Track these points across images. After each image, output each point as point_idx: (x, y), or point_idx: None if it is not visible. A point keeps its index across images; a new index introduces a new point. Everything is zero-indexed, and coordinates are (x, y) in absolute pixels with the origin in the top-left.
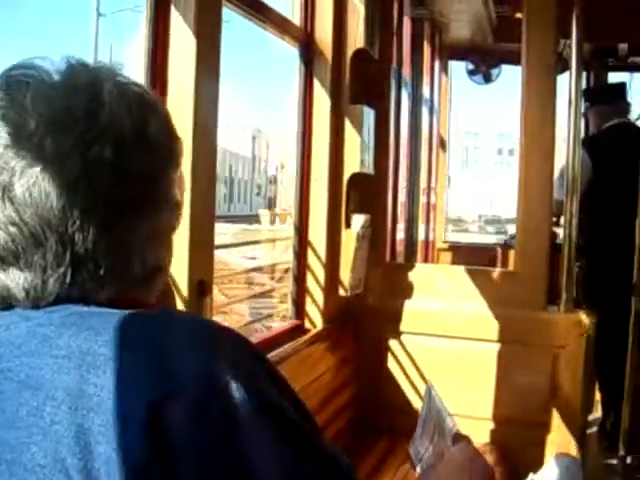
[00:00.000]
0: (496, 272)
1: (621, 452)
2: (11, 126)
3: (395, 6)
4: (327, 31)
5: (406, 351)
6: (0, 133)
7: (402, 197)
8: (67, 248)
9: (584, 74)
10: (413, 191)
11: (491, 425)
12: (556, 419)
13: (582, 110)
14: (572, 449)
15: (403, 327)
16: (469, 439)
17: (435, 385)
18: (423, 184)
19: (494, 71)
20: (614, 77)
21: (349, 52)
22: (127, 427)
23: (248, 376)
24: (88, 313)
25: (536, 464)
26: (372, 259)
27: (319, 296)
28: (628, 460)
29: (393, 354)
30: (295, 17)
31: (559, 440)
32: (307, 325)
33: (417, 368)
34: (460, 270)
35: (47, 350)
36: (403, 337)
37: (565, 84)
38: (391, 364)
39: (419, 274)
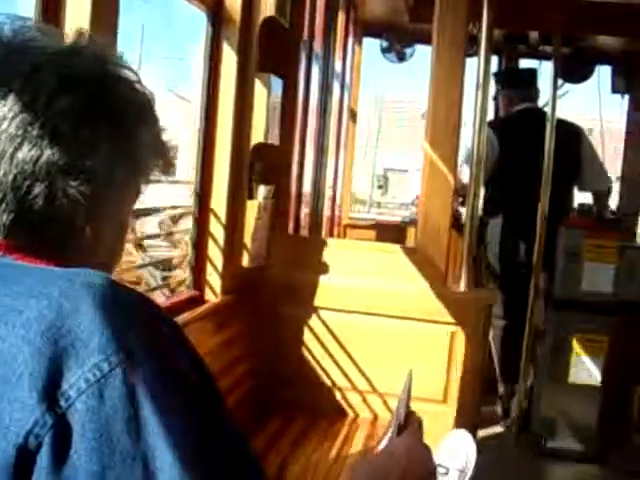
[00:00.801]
0: (397, 248)
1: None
2: None
3: None
4: None
5: (306, 325)
6: None
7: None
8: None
9: (495, 59)
10: (320, 164)
11: (392, 400)
12: (455, 395)
13: (493, 93)
14: (470, 423)
15: (304, 301)
16: (415, 427)
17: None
18: (332, 158)
19: (408, 50)
20: (524, 64)
21: (259, 19)
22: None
23: (151, 339)
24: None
25: (438, 439)
26: (275, 231)
27: (219, 267)
28: (522, 436)
29: (293, 328)
30: None
31: (458, 415)
32: (206, 296)
33: (316, 342)
34: (362, 245)
35: None
36: (303, 311)
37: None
38: (290, 338)
39: (322, 248)
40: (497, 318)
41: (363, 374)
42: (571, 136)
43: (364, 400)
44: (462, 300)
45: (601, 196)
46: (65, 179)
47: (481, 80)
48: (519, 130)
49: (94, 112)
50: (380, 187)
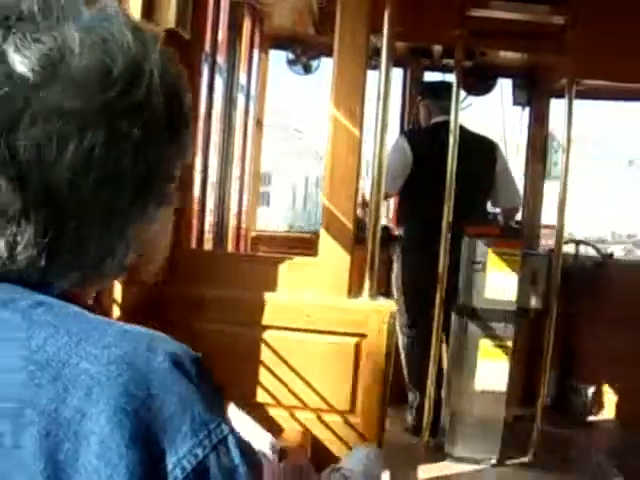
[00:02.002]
0: (300, 260)
1: (425, 436)
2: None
3: None
4: (136, 8)
5: (212, 340)
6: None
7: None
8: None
9: (401, 72)
10: (224, 177)
11: (300, 414)
12: (360, 406)
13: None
14: (374, 435)
15: (209, 315)
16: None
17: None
18: (238, 170)
19: (314, 62)
20: (429, 76)
21: (160, 32)
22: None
23: None
24: (60, 308)
25: (345, 449)
26: (177, 246)
27: (118, 284)
28: (430, 442)
29: (199, 343)
30: None
31: (364, 427)
32: (111, 313)
33: (224, 357)
34: (266, 258)
35: (13, 350)
36: (208, 326)
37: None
38: (196, 352)
39: (225, 262)
40: (406, 327)
41: (274, 388)
42: (486, 152)
43: (267, 414)
44: (365, 310)
45: (511, 211)
46: None
47: (381, 93)
48: (432, 142)
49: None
50: None
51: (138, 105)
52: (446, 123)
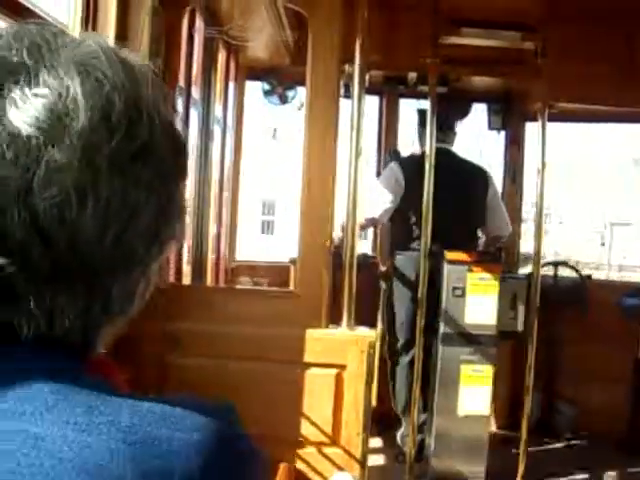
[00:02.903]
0: (278, 292)
1: (410, 462)
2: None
3: (185, 23)
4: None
5: (190, 374)
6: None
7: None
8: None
9: (377, 99)
10: (202, 209)
11: (281, 445)
12: (342, 435)
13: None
14: (356, 465)
15: (186, 350)
16: None
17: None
18: (216, 203)
19: (290, 93)
20: (404, 104)
21: None
22: None
23: None
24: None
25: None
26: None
27: None
28: (415, 468)
29: (176, 377)
30: (75, 30)
31: (345, 458)
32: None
33: (201, 390)
34: (243, 291)
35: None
36: (186, 360)
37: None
38: (175, 388)
39: (201, 295)
40: (393, 354)
41: (255, 420)
42: (479, 180)
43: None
44: (343, 341)
45: (499, 239)
46: None
47: (355, 121)
48: (423, 169)
49: None
50: None
51: (143, 146)
52: (438, 150)
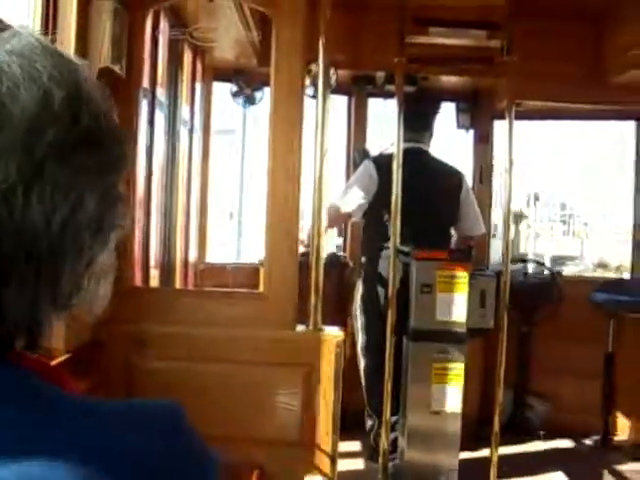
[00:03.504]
0: (246, 294)
1: (382, 461)
2: None
3: (149, 24)
4: (69, 48)
5: (158, 377)
6: None
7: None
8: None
9: (345, 99)
10: (169, 211)
11: (250, 447)
12: (311, 436)
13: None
14: (327, 465)
15: (154, 352)
16: None
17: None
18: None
19: (258, 94)
20: (372, 103)
21: (94, 70)
22: None
23: None
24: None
25: None
26: (120, 284)
27: (60, 324)
28: (389, 467)
29: (144, 381)
30: (35, 32)
31: (315, 458)
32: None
33: (169, 393)
34: (211, 293)
35: None
36: (154, 363)
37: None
38: (142, 391)
39: (169, 298)
40: (366, 350)
41: (224, 422)
42: (451, 180)
43: (226, 448)
44: (311, 341)
45: (471, 238)
46: None
47: (319, 121)
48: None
49: None
50: None
51: (87, 134)
52: (408, 149)
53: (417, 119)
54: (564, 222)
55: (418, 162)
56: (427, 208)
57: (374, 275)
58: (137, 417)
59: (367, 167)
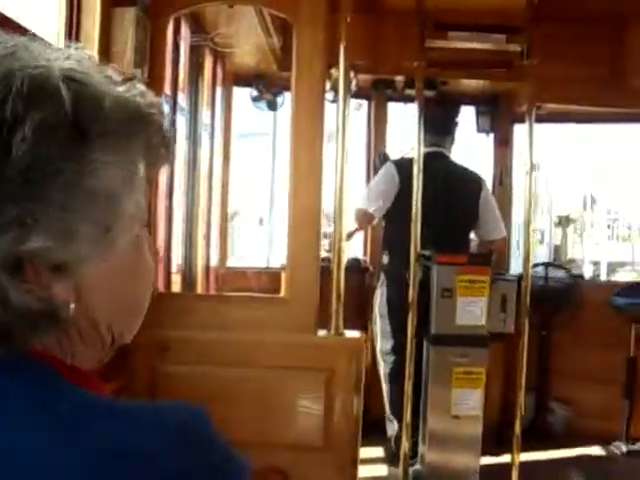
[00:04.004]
0: (267, 299)
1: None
2: None
3: (170, 31)
4: (92, 54)
5: (181, 382)
6: None
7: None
8: None
9: (365, 104)
10: (191, 216)
11: (273, 451)
12: (333, 441)
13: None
14: (348, 470)
15: (177, 357)
16: None
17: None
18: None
19: (279, 99)
20: (392, 108)
21: None
22: None
23: None
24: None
25: None
26: None
27: None
28: (409, 472)
29: (167, 385)
30: (60, 41)
31: (338, 463)
32: None
33: (192, 398)
34: (233, 298)
35: None
36: (178, 368)
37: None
38: (166, 396)
39: (191, 303)
40: (387, 354)
41: (247, 427)
42: (471, 185)
43: (248, 453)
44: (332, 346)
45: (493, 243)
46: None
47: (340, 124)
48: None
49: None
50: None
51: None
52: (430, 154)
53: (438, 124)
54: (609, 226)
55: (439, 166)
56: (447, 212)
57: (395, 278)
58: (157, 418)
59: (388, 169)
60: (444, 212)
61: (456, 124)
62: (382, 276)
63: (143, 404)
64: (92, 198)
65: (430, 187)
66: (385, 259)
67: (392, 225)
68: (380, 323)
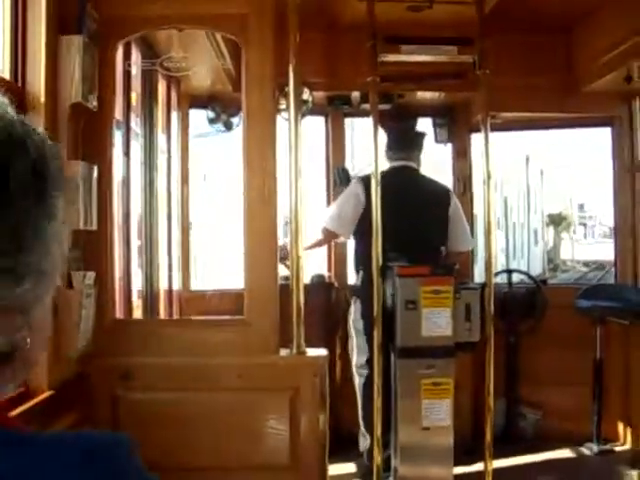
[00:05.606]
0: (229, 320)
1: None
2: None
3: (119, 57)
4: (39, 85)
5: (144, 409)
6: None
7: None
8: None
9: (322, 120)
10: (150, 241)
11: (242, 473)
12: (301, 459)
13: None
14: None
15: (139, 384)
16: None
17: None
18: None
19: (234, 119)
20: (349, 123)
21: (66, 106)
22: None
23: None
24: None
25: None
26: (102, 318)
27: (43, 361)
28: None
29: (130, 413)
30: (5, 71)
31: (305, 478)
32: (33, 392)
33: (156, 424)
34: (194, 322)
35: None
36: (142, 394)
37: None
38: (128, 423)
39: (152, 328)
40: (361, 367)
41: (211, 451)
42: (440, 197)
43: (205, 478)
44: (295, 365)
45: (461, 255)
46: None
47: (292, 142)
48: (383, 186)
49: None
50: None
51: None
52: (396, 169)
53: (399, 138)
54: (584, 225)
55: (407, 180)
56: (416, 225)
57: (369, 294)
58: (61, 448)
59: (354, 188)
60: (413, 225)
61: (421, 136)
62: (356, 292)
63: (51, 434)
64: (56, 238)
65: (399, 201)
66: (358, 275)
67: (363, 241)
68: (355, 338)
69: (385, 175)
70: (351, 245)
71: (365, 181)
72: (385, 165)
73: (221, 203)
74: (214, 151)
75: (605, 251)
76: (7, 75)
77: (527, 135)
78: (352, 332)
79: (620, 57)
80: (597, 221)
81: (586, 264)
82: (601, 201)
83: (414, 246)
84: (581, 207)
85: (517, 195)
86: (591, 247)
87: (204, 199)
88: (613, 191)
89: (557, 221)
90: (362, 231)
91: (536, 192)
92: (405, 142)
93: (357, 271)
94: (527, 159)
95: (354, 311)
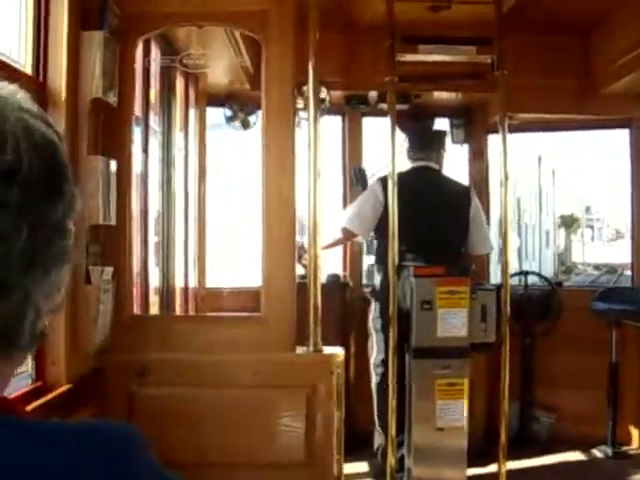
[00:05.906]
0: (245, 318)
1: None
2: None
3: (140, 53)
4: (61, 80)
5: (160, 404)
6: None
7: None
8: None
9: (339, 119)
10: (167, 238)
11: (257, 470)
12: (316, 457)
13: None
14: None
15: (155, 380)
16: None
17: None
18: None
19: (252, 118)
20: (367, 122)
21: (87, 101)
22: None
23: None
24: None
25: None
26: (120, 313)
27: (61, 355)
28: None
29: (145, 408)
30: (27, 66)
31: (322, 478)
32: (51, 386)
33: (172, 420)
34: (210, 318)
35: None
36: (157, 390)
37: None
38: (144, 419)
39: (169, 324)
40: (378, 367)
41: (227, 448)
42: (460, 198)
43: (220, 474)
44: (311, 362)
45: (481, 257)
46: None
47: (311, 141)
48: (403, 187)
49: None
50: None
51: (8, 171)
52: (418, 169)
53: (418, 139)
54: (592, 227)
55: (428, 180)
56: (436, 226)
57: (386, 293)
58: (77, 437)
59: (373, 188)
60: (435, 226)
61: (441, 134)
62: (375, 291)
63: (68, 423)
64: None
65: (419, 201)
66: (377, 274)
67: (383, 241)
68: (375, 337)
69: (405, 175)
70: (367, 245)
71: (384, 181)
72: (406, 165)
73: (236, 198)
74: (228, 144)
75: (614, 254)
76: (29, 70)
77: (539, 135)
78: (371, 330)
79: (638, 59)
80: (604, 223)
81: (597, 267)
82: (610, 203)
83: (434, 247)
84: (588, 209)
85: (529, 196)
86: (598, 250)
87: (217, 194)
88: (631, 193)
89: (569, 223)
90: (382, 231)
91: (548, 193)
92: (424, 142)
93: (378, 271)
94: (539, 159)
95: (373, 309)
